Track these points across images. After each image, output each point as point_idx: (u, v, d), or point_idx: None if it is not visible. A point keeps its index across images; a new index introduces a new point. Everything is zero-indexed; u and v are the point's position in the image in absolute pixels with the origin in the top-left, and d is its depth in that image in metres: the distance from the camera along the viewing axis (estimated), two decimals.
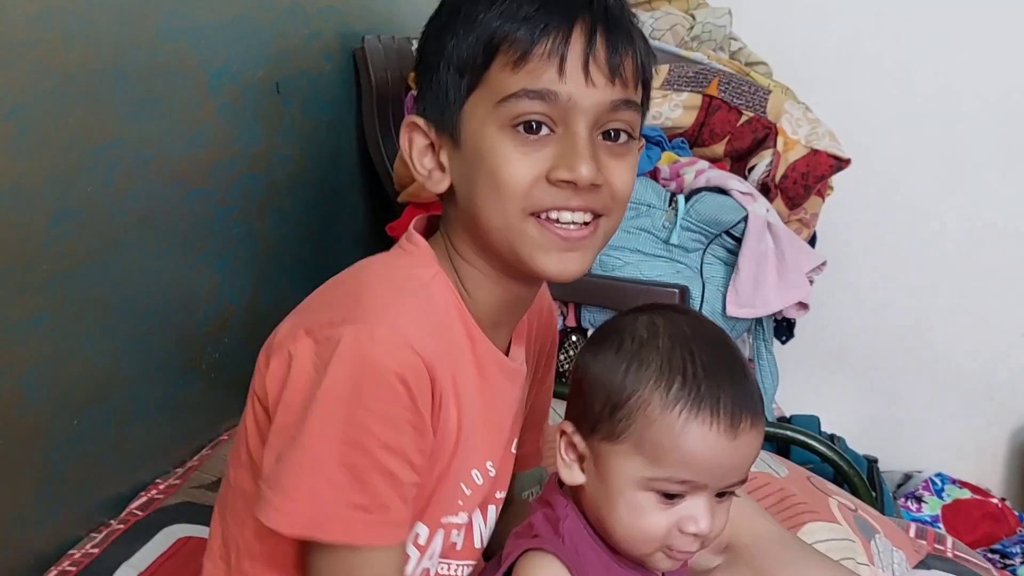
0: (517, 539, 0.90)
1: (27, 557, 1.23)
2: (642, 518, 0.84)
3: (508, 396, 0.95)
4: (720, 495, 0.86)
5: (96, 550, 1.27)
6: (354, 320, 0.79)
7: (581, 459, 0.87)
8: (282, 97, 1.64)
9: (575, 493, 0.89)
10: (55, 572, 1.23)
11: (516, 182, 0.83)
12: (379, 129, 1.92)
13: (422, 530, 0.88)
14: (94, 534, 1.31)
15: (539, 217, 0.84)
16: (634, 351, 0.85)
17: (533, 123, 0.82)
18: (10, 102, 1.07)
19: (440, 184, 0.88)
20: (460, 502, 0.91)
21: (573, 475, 0.87)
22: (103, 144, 1.22)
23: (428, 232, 0.95)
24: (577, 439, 0.87)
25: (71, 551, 1.27)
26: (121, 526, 1.33)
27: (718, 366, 0.84)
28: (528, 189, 0.83)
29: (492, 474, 0.93)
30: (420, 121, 0.88)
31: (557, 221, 0.85)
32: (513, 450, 1.00)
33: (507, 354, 0.95)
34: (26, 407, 1.17)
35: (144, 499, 1.40)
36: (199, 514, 1.36)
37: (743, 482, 0.87)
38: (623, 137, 0.86)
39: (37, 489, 1.23)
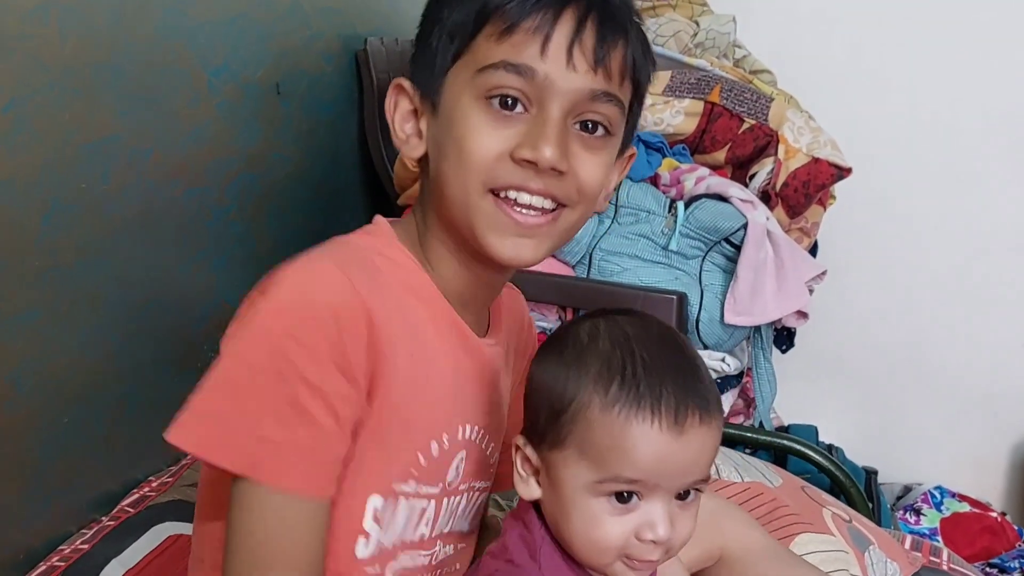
0: (493, 559, 0.88)
1: (16, 551, 1.23)
2: (597, 527, 0.81)
3: (468, 370, 0.93)
4: (681, 497, 0.83)
5: (86, 546, 1.27)
6: (296, 261, 0.79)
7: (536, 472, 0.86)
8: (282, 97, 1.64)
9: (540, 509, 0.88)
10: (44, 567, 1.23)
11: (480, 154, 0.82)
12: (380, 131, 1.92)
13: (377, 501, 0.85)
14: (84, 530, 1.31)
15: (497, 196, 0.83)
16: (574, 356, 0.83)
17: (508, 98, 0.81)
18: (6, 96, 1.08)
19: (415, 150, 0.88)
20: (414, 471, 0.87)
21: (530, 489, 0.86)
22: (99, 140, 1.22)
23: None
24: (529, 451, 0.85)
25: (61, 546, 1.27)
26: (112, 522, 1.32)
27: (660, 363, 0.81)
28: (491, 163, 0.82)
29: (446, 447, 0.90)
30: (407, 84, 0.88)
31: (515, 203, 0.83)
32: (482, 444, 0.97)
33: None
34: (16, 401, 1.17)
35: (136, 496, 1.40)
36: (191, 512, 1.35)
37: (704, 481, 0.84)
38: (600, 131, 0.85)
39: (27, 484, 1.23)
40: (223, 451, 0.76)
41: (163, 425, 1.45)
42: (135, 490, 1.42)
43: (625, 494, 0.81)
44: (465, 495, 0.96)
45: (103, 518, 1.35)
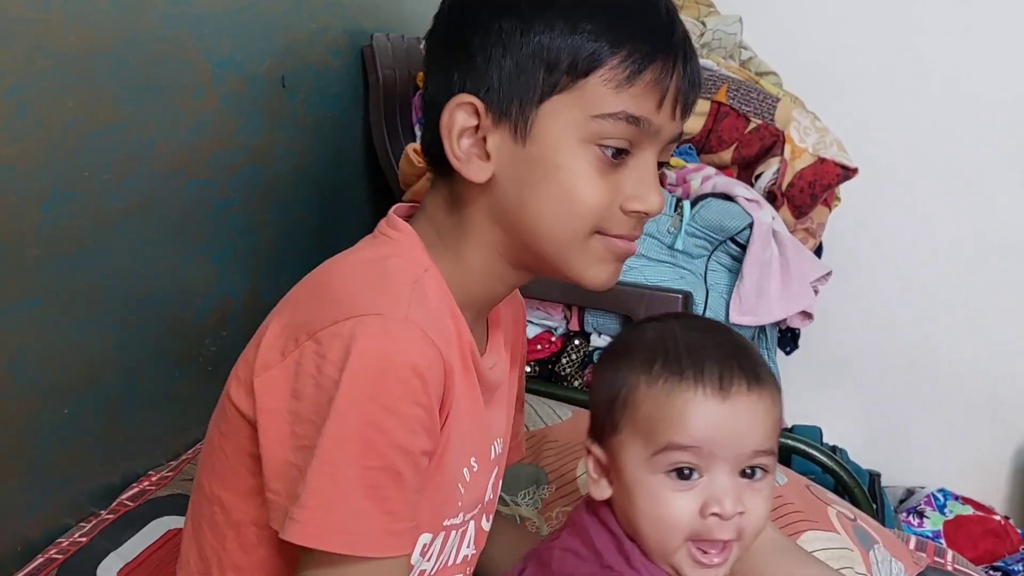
0: (579, 560, 0.89)
1: (14, 543, 1.21)
2: (661, 504, 0.83)
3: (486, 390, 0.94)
4: (747, 476, 0.84)
5: (84, 539, 1.26)
6: (361, 312, 0.75)
7: (606, 471, 0.89)
8: (287, 91, 1.63)
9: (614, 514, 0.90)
10: (41, 559, 1.22)
11: (593, 204, 0.82)
12: (385, 127, 1.91)
13: (426, 538, 0.86)
14: (83, 523, 1.30)
15: (603, 234, 0.84)
16: (623, 352, 0.89)
17: (619, 148, 0.82)
18: (8, 81, 1.06)
19: (480, 173, 0.83)
20: (459, 503, 0.89)
21: (601, 489, 0.89)
22: (102, 128, 1.21)
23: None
24: (595, 449, 0.89)
25: (59, 539, 1.26)
26: (110, 516, 1.32)
27: (704, 344, 0.85)
28: (601, 213, 0.83)
29: (475, 470, 0.91)
30: (477, 103, 0.82)
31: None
32: (494, 454, 0.98)
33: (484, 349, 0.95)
34: (15, 391, 1.16)
35: (136, 490, 1.39)
36: None
37: (768, 455, 0.85)
38: (665, 167, 0.89)
39: (25, 475, 1.21)
40: (327, 537, 0.75)
41: (163, 418, 1.46)
42: (134, 484, 1.41)
43: (685, 470, 0.83)
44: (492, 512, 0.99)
45: (102, 511, 1.34)
